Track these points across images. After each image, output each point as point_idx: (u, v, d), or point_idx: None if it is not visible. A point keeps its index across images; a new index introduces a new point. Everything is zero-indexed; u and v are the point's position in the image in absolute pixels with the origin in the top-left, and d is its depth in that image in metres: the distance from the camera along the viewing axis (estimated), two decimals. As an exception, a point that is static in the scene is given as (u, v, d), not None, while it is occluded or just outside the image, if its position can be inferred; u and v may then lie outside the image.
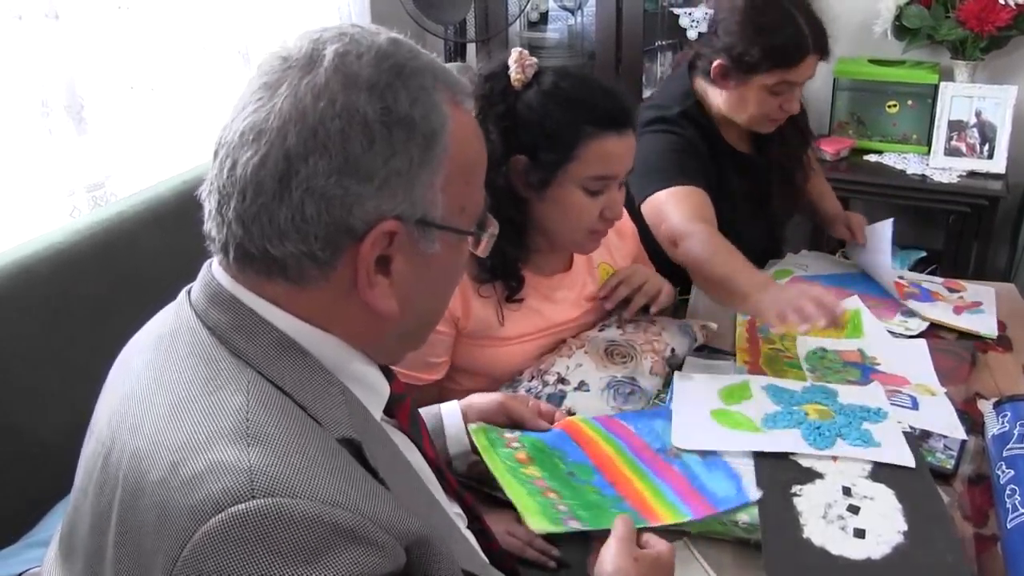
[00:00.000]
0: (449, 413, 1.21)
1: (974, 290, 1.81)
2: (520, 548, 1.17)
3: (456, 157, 0.76)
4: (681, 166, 1.72)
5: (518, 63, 1.37)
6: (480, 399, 1.25)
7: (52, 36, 1.59)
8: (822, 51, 1.72)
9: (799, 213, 2.11)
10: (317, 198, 0.70)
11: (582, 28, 3.22)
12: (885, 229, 1.82)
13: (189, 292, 0.80)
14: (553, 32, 3.26)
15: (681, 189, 1.68)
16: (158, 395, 0.72)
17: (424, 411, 1.16)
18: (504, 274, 1.43)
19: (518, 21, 3.15)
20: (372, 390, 0.82)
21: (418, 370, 1.38)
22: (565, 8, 3.22)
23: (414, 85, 0.73)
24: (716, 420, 1.30)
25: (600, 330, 1.53)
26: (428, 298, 0.82)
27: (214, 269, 0.78)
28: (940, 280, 1.87)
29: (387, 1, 2.63)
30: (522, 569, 1.09)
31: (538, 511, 1.07)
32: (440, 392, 1.42)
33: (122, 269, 1.41)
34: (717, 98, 1.81)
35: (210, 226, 0.75)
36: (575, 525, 1.06)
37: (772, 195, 1.90)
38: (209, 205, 0.75)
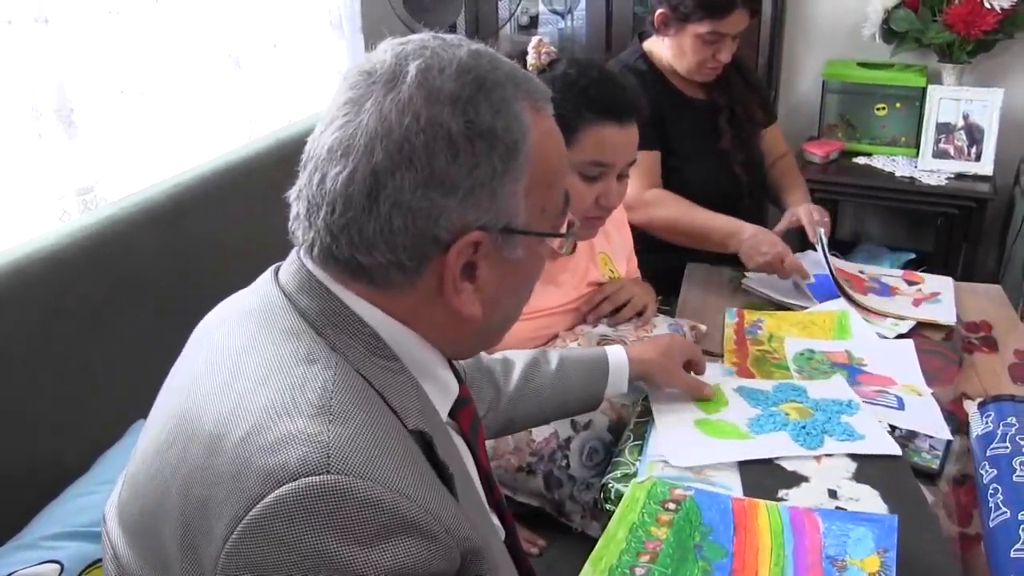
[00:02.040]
0: (616, 355, 1.27)
1: (932, 281, 1.85)
2: None
3: (538, 164, 0.78)
4: None
5: (536, 49, 1.43)
6: (650, 349, 1.31)
7: (42, 40, 1.58)
8: (751, 6, 1.94)
9: (771, 203, 2.28)
10: (404, 211, 0.72)
11: (572, 31, 3.23)
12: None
13: (276, 272, 0.82)
14: (543, 35, 3.26)
15: None
16: (250, 360, 0.75)
17: (582, 350, 1.26)
18: None
19: (508, 24, 3.16)
20: (444, 389, 0.84)
21: None
22: (555, 12, 3.23)
23: (496, 97, 0.75)
24: (702, 431, 1.29)
25: (593, 325, 1.56)
26: (510, 300, 0.85)
27: (303, 256, 0.80)
28: (899, 273, 1.91)
29: (378, 5, 2.64)
30: None
31: (606, 571, 1.06)
32: None
33: (114, 272, 1.41)
34: (665, 50, 2.04)
35: (296, 227, 0.78)
36: None
37: (721, 134, 2.07)
38: (297, 208, 0.78)
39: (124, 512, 0.79)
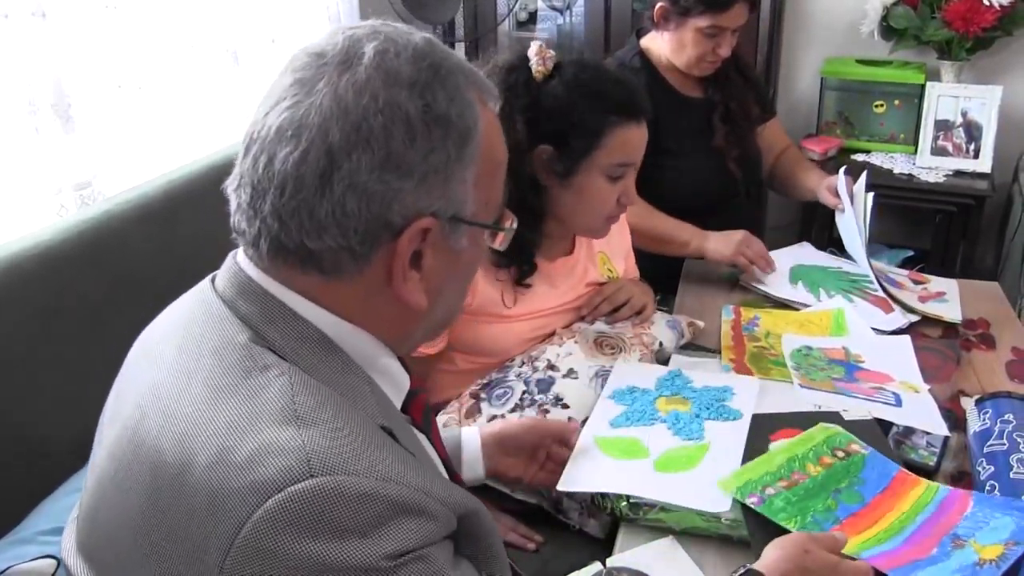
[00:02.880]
0: (469, 439, 1.20)
1: (938, 282, 1.85)
2: (504, 532, 1.23)
3: (486, 154, 0.78)
4: None
5: (539, 56, 1.42)
6: (507, 425, 1.26)
7: (39, 35, 1.58)
8: (751, 0, 1.95)
9: (777, 193, 2.30)
10: (359, 193, 0.71)
11: (571, 28, 3.23)
12: (853, 185, 1.89)
13: (213, 281, 0.80)
14: (542, 32, 3.26)
15: None
16: (194, 381, 0.73)
17: (445, 432, 1.16)
18: (520, 259, 1.47)
19: (507, 21, 3.15)
20: (395, 383, 0.84)
21: None
22: (554, 8, 3.22)
23: (450, 84, 0.74)
24: (601, 449, 1.25)
25: (591, 322, 1.56)
26: (453, 291, 0.85)
27: (240, 260, 0.78)
28: (905, 272, 1.92)
29: (376, 0, 2.64)
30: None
31: (740, 483, 1.12)
32: (428, 369, 1.45)
33: (110, 267, 1.41)
34: (663, 46, 2.03)
35: (239, 219, 0.76)
36: (754, 502, 1.10)
37: (714, 131, 2.06)
38: (239, 199, 0.75)
39: (91, 556, 0.78)
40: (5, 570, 0.96)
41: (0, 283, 1.25)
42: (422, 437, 0.89)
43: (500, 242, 0.85)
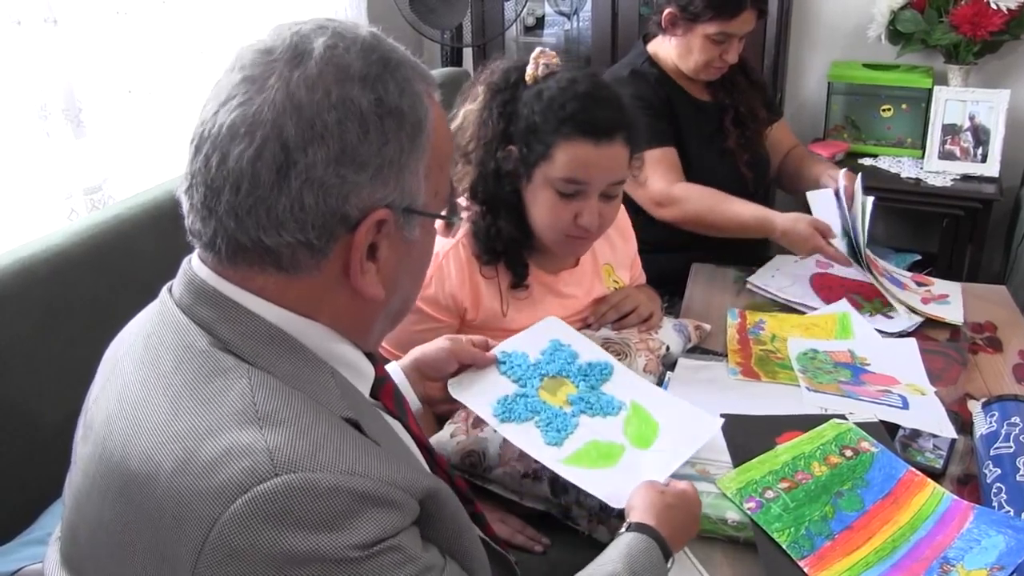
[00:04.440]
0: (393, 373, 1.15)
1: (942, 285, 1.85)
2: (510, 534, 1.23)
3: (436, 145, 0.79)
4: (648, 128, 1.76)
5: (536, 59, 1.42)
6: (426, 350, 1.22)
7: (51, 40, 1.60)
8: (759, 7, 1.96)
9: (785, 190, 2.33)
10: (316, 188, 0.71)
11: (578, 33, 3.23)
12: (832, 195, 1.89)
13: (170, 290, 0.81)
14: (549, 36, 3.27)
15: (653, 152, 1.90)
16: (155, 391, 0.73)
17: None
18: (507, 256, 1.45)
19: (514, 26, 3.16)
20: (358, 372, 0.84)
21: None
22: (561, 13, 3.23)
23: (400, 76, 0.75)
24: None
25: (597, 328, 1.56)
26: (409, 281, 0.85)
27: (195, 265, 0.78)
28: (909, 274, 1.92)
29: (384, 6, 2.65)
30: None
31: (741, 484, 1.13)
32: None
33: (120, 271, 1.43)
34: (671, 51, 2.04)
35: (194, 220, 0.76)
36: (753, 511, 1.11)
37: (727, 135, 2.08)
38: (192, 199, 0.75)
39: (79, 569, 0.79)
40: (18, 570, 0.97)
41: (11, 285, 1.27)
42: (396, 423, 0.90)
43: (455, 232, 0.86)
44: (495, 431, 1.21)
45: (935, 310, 1.73)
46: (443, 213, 0.84)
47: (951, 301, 1.78)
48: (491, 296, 1.46)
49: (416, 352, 1.21)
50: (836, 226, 1.81)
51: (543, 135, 1.38)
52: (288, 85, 0.71)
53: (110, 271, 1.41)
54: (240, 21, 2.14)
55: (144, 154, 1.88)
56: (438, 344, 1.22)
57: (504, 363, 1.26)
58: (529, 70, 1.42)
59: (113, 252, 1.43)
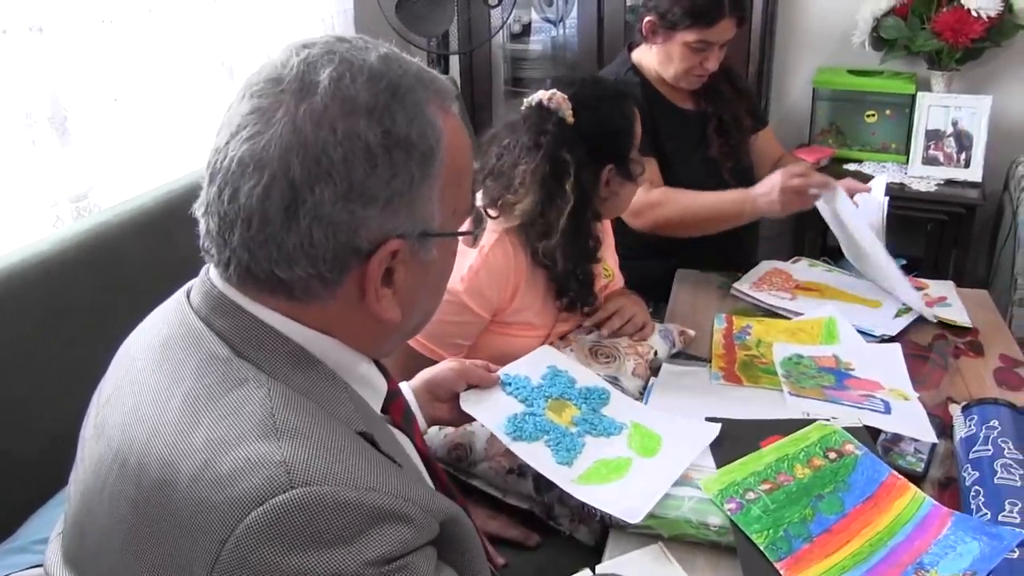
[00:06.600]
0: (405, 393, 1.18)
1: (936, 286, 1.87)
2: (502, 528, 1.28)
3: (450, 165, 0.78)
4: None
5: (559, 105, 1.46)
6: (436, 370, 1.26)
7: (36, 49, 1.60)
8: (739, 15, 1.96)
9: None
10: (324, 224, 0.71)
11: (564, 40, 3.25)
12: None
13: (188, 295, 0.81)
14: (536, 44, 3.29)
15: None
16: (173, 398, 0.73)
17: None
18: (585, 295, 1.54)
19: (501, 33, 3.17)
20: (372, 388, 0.85)
21: (442, 348, 1.44)
22: (547, 20, 3.24)
23: (409, 103, 0.74)
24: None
25: (588, 331, 1.58)
26: (427, 299, 0.85)
27: (213, 276, 0.78)
28: (906, 278, 1.91)
29: (370, 14, 2.66)
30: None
31: (723, 485, 1.14)
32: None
33: (107, 278, 1.43)
34: (652, 59, 2.06)
35: (209, 244, 0.76)
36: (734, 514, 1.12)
37: (709, 143, 2.09)
38: (207, 225, 0.75)
39: (82, 568, 0.78)
40: (1, 578, 0.97)
41: (2, 290, 1.27)
42: (404, 438, 0.90)
43: (476, 243, 0.87)
44: (482, 425, 1.24)
45: (943, 312, 1.75)
46: (463, 229, 0.83)
47: (951, 302, 1.80)
48: (531, 285, 1.50)
49: (426, 373, 1.25)
50: (854, 227, 1.85)
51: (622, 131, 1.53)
52: (294, 121, 0.70)
53: (97, 278, 1.41)
54: (226, 30, 2.15)
55: (130, 162, 1.88)
56: (447, 365, 1.26)
57: (509, 384, 1.31)
58: (567, 116, 1.46)
59: (100, 259, 1.43)
